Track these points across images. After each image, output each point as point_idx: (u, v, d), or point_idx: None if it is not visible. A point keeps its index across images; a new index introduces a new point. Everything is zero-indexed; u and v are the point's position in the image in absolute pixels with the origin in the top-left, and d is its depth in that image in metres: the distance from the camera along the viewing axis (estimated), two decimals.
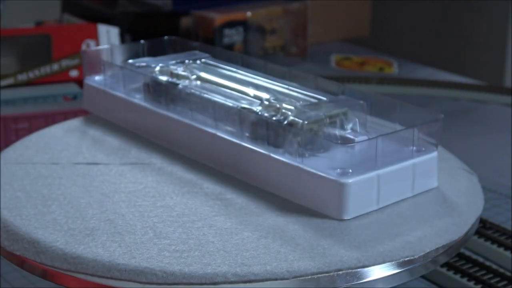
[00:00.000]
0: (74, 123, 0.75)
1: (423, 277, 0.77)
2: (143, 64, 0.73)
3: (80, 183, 0.62)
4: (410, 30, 1.79)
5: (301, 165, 0.58)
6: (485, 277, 0.75)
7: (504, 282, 0.75)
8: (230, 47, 1.28)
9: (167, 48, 0.80)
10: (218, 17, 1.29)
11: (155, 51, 0.78)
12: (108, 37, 1.10)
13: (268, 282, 0.50)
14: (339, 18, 1.58)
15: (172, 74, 0.71)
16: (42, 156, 0.67)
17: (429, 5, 1.76)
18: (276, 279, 0.50)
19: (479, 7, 1.66)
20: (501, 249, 0.80)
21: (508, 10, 1.61)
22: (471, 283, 0.75)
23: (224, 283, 0.50)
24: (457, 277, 0.76)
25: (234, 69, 0.72)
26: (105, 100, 0.74)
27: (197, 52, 0.77)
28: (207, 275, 0.50)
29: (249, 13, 1.32)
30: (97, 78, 0.75)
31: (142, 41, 0.78)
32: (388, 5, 1.81)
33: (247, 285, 0.50)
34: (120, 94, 0.72)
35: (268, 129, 0.60)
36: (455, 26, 1.72)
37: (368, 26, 1.63)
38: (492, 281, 0.75)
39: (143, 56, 0.77)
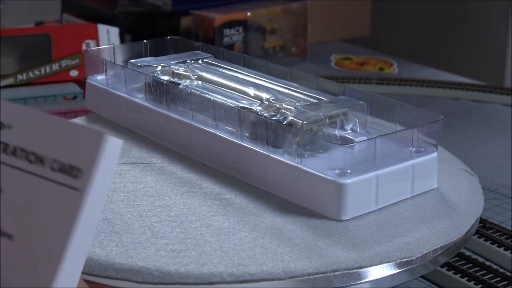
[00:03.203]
0: (75, 122, 0.75)
1: (423, 277, 0.77)
2: (145, 63, 0.73)
3: None
4: (410, 30, 1.79)
5: (300, 165, 0.58)
6: (485, 277, 0.75)
7: (504, 282, 0.75)
8: (230, 47, 1.28)
9: (170, 48, 0.80)
10: (218, 17, 1.28)
11: (158, 51, 0.78)
12: (108, 37, 1.10)
13: (264, 283, 0.50)
14: (339, 18, 1.58)
15: (173, 74, 0.71)
16: None
17: (429, 5, 1.76)
18: (272, 280, 0.50)
19: (479, 7, 1.66)
20: (501, 249, 0.80)
21: (508, 10, 1.61)
22: (471, 283, 0.75)
23: (220, 283, 0.50)
24: (457, 277, 0.76)
25: (236, 69, 0.72)
26: (106, 100, 0.74)
27: (199, 52, 0.77)
28: (203, 275, 0.50)
29: (249, 13, 1.32)
30: (99, 77, 0.75)
31: (144, 41, 0.78)
32: (388, 5, 1.81)
33: (243, 285, 0.50)
34: (122, 93, 0.72)
35: (267, 129, 0.60)
36: (455, 26, 1.71)
37: (368, 26, 1.63)
38: (492, 281, 0.75)
39: (146, 55, 0.77)
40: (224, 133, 0.63)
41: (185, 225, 0.56)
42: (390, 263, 0.52)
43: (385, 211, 0.58)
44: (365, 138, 0.60)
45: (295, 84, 0.69)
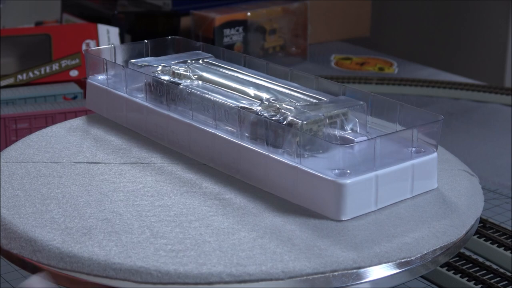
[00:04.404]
0: (76, 122, 0.75)
1: (423, 277, 0.77)
2: (145, 63, 0.73)
3: (80, 182, 0.62)
4: (410, 30, 1.79)
5: (299, 166, 0.57)
6: (485, 277, 0.75)
7: (504, 282, 0.75)
8: (230, 47, 1.28)
9: (170, 48, 0.80)
10: (218, 17, 1.29)
11: (158, 51, 0.78)
12: (108, 37, 1.10)
13: (263, 283, 0.50)
14: (339, 18, 1.58)
15: (174, 74, 0.71)
16: (43, 155, 0.67)
17: (429, 5, 1.76)
18: (271, 280, 0.50)
19: (479, 7, 1.66)
20: (501, 249, 0.80)
21: (508, 10, 1.61)
22: (471, 283, 0.75)
23: (219, 283, 0.50)
24: (457, 277, 0.76)
25: (236, 69, 0.72)
26: (107, 99, 0.74)
27: (199, 52, 0.77)
28: (202, 275, 0.50)
29: (249, 13, 1.32)
30: (99, 77, 0.76)
31: (145, 41, 0.78)
32: (388, 5, 1.81)
33: (242, 285, 0.50)
34: (122, 93, 0.72)
35: (267, 129, 0.60)
36: (455, 26, 1.72)
37: (368, 26, 1.63)
38: (492, 281, 0.75)
39: (146, 55, 0.78)
40: (224, 133, 0.63)
41: (184, 225, 0.56)
42: (390, 264, 0.52)
43: (384, 211, 0.58)
44: (365, 138, 0.60)
45: (295, 84, 0.69)
